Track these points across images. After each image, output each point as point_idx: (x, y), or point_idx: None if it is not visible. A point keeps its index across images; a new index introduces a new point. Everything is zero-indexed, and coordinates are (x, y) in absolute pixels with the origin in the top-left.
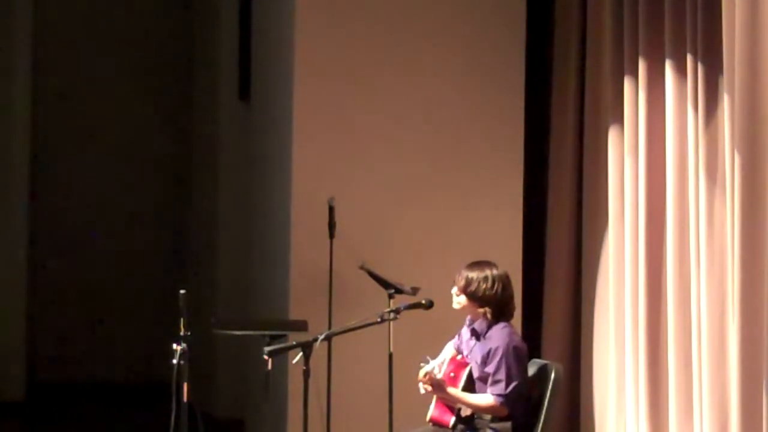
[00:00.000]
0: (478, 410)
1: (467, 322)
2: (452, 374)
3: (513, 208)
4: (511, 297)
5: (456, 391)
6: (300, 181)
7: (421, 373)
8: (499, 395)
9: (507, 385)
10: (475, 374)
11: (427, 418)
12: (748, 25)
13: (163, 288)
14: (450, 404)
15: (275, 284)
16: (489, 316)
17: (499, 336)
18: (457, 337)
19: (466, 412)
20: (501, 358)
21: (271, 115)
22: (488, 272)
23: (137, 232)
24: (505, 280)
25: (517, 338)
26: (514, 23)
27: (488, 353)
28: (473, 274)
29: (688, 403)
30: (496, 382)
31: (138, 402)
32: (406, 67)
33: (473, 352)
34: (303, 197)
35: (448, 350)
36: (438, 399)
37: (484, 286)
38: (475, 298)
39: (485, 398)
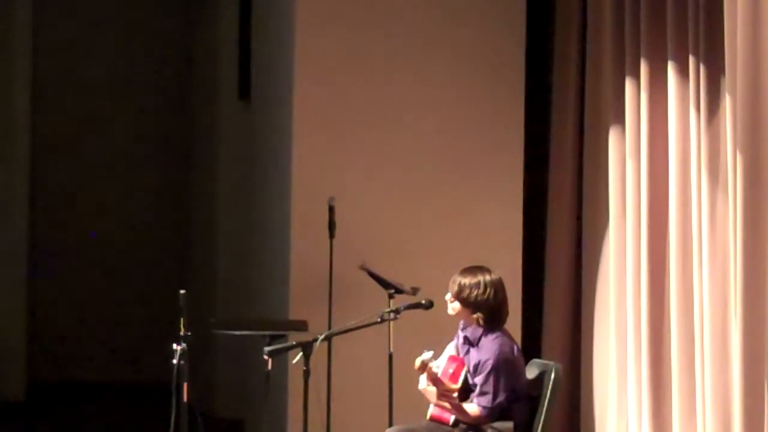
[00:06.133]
0: (460, 417)
1: (461, 326)
2: (451, 370)
3: (513, 208)
4: (504, 302)
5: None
6: (300, 181)
7: (418, 361)
8: (484, 407)
9: (494, 398)
10: (469, 380)
11: (427, 417)
12: (749, 24)
13: (163, 288)
14: (440, 400)
15: (275, 284)
16: (482, 322)
17: (489, 348)
18: (455, 338)
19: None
20: (490, 372)
21: (271, 115)
22: (480, 278)
23: (137, 233)
24: (497, 286)
25: (508, 349)
26: (514, 23)
27: (478, 364)
28: (466, 280)
29: (691, 402)
30: (483, 394)
31: (138, 402)
32: (406, 67)
33: (466, 358)
34: (303, 197)
35: (449, 351)
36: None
37: (476, 292)
38: (468, 304)
39: (471, 407)
